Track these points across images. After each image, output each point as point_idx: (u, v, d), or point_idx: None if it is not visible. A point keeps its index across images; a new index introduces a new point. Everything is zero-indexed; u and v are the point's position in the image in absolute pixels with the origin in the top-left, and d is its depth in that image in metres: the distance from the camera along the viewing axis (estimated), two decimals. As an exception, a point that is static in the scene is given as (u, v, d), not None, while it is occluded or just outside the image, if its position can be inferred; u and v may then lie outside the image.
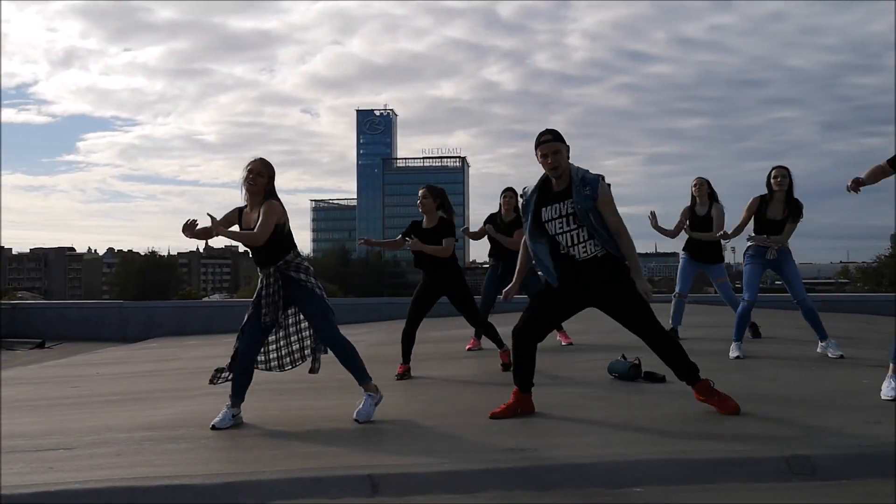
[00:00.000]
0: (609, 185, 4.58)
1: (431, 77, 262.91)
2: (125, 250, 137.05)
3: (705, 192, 7.95)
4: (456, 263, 6.73)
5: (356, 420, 4.86)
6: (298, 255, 5.04)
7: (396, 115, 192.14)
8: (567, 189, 4.53)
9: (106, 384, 8.39)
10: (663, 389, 5.58)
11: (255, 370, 5.16)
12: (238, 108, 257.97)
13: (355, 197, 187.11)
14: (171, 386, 7.88)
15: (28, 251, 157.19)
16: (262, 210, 4.84)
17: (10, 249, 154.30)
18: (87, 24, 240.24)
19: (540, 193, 4.64)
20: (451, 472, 3.69)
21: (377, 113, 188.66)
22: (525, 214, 4.71)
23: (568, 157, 4.59)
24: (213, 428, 4.86)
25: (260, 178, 4.90)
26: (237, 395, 5.02)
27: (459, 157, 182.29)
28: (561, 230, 4.55)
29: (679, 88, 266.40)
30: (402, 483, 3.64)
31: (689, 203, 8.00)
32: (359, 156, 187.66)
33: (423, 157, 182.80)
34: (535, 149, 4.60)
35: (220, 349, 11.30)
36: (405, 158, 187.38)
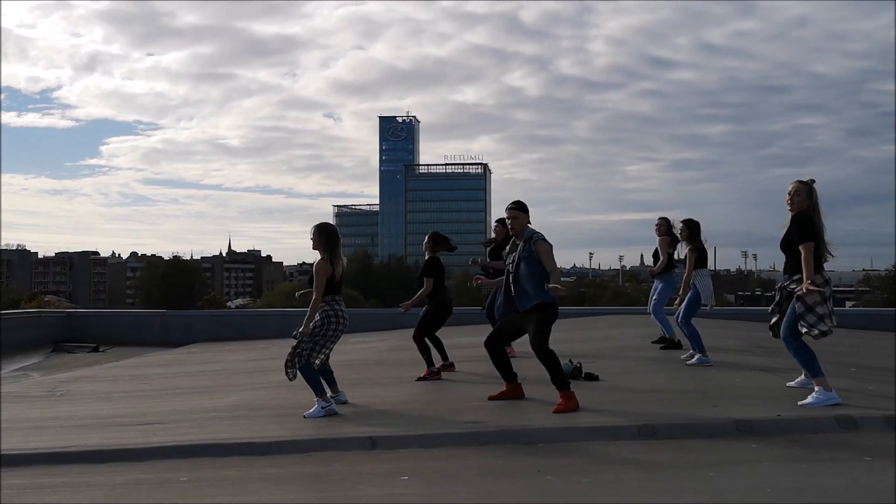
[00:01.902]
0: (549, 242, 6.46)
1: (454, 82, 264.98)
2: (149, 255, 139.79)
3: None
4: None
5: (304, 416, 6.55)
6: (332, 300, 6.78)
7: (419, 122, 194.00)
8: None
9: (168, 380, 10.44)
10: (595, 385, 7.46)
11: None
12: (261, 112, 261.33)
13: (378, 202, 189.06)
14: (221, 382, 9.90)
15: (53, 255, 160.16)
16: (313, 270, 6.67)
17: (36, 253, 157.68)
18: (110, 29, 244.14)
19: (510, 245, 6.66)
20: (424, 435, 5.66)
21: (399, 119, 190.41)
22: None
23: (527, 222, 6.50)
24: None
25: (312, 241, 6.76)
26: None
27: (481, 163, 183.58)
28: (510, 270, 6.48)
29: (702, 94, 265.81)
30: (392, 441, 5.59)
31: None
32: (381, 162, 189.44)
33: (446, 164, 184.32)
34: (505, 211, 6.62)
35: (255, 353, 13.41)
36: (427, 165, 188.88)
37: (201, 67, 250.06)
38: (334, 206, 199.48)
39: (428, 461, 5.14)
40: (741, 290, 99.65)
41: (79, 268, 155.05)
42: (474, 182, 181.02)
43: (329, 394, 6.84)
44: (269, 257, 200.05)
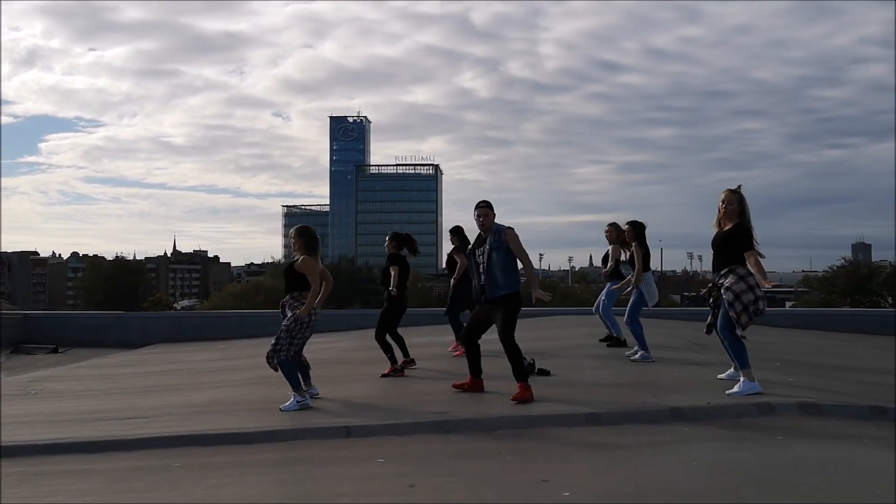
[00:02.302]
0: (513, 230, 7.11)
1: (405, 82, 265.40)
2: (90, 255, 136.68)
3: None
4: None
5: (280, 409, 7.09)
6: (302, 296, 7.33)
7: (370, 122, 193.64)
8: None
9: (137, 380, 10.80)
10: (548, 380, 8.12)
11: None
12: (207, 110, 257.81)
13: (328, 203, 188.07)
14: (189, 381, 10.32)
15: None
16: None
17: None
18: (51, 24, 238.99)
19: (476, 241, 7.26)
20: (395, 424, 6.25)
21: (350, 119, 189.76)
22: (468, 257, 7.35)
23: (494, 218, 7.13)
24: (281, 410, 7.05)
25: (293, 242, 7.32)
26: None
27: (433, 164, 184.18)
28: (480, 262, 7.09)
29: (650, 98, 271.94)
30: (365, 430, 6.17)
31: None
32: (332, 162, 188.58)
33: (397, 165, 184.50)
34: (474, 209, 7.21)
35: (217, 354, 13.81)
36: (378, 165, 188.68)
37: (145, 63, 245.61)
38: (283, 206, 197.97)
39: (399, 447, 5.73)
40: (686, 290, 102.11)
41: (17, 268, 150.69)
42: (426, 183, 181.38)
43: (303, 387, 7.39)
44: (216, 258, 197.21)
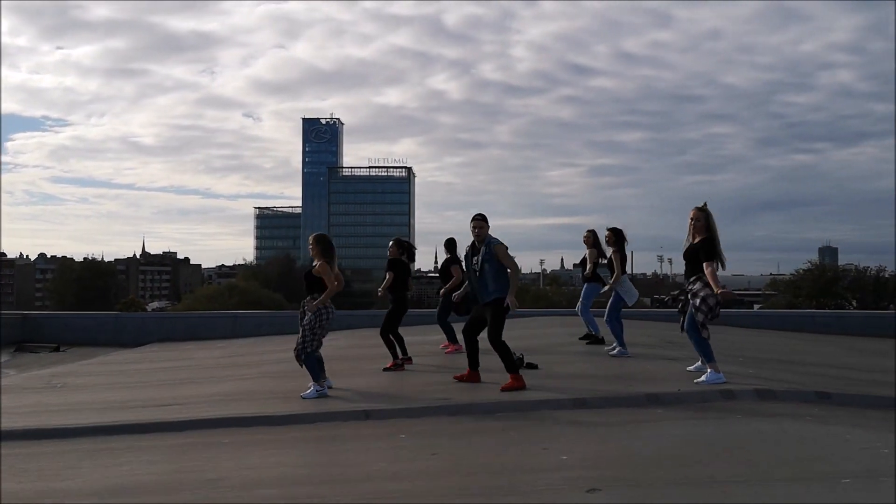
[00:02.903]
0: (504, 244, 8.04)
1: (377, 84, 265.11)
2: (59, 256, 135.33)
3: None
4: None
5: (301, 396, 7.99)
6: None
7: (342, 124, 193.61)
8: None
9: (152, 374, 11.58)
10: (536, 372, 9.07)
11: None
12: (177, 110, 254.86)
13: (300, 205, 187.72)
14: (203, 375, 11.12)
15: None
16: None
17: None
18: (17, 21, 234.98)
19: (471, 250, 8.19)
20: (408, 408, 7.17)
21: (323, 121, 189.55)
22: (465, 262, 8.28)
23: (487, 230, 8.07)
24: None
25: (311, 249, 8.18)
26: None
27: (406, 166, 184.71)
28: (475, 270, 8.04)
29: (621, 102, 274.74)
30: (382, 413, 7.08)
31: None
32: (304, 164, 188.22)
33: (370, 167, 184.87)
34: (471, 221, 8.15)
35: (218, 352, 14.62)
36: (351, 167, 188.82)
37: (114, 62, 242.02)
38: (256, 207, 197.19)
39: (415, 426, 6.64)
40: (657, 293, 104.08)
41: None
42: (398, 185, 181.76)
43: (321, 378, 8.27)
44: (186, 259, 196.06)
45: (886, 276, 54.72)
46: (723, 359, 8.23)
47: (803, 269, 54.85)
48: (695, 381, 7.77)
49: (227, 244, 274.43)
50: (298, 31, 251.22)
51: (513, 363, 7.98)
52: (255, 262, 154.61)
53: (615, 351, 10.34)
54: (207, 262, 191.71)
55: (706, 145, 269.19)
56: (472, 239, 8.23)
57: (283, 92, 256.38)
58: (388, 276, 10.24)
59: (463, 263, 8.74)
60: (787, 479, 4.50)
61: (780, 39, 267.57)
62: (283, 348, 14.05)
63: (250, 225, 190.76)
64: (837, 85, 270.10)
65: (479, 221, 8.16)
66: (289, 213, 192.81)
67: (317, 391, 8.01)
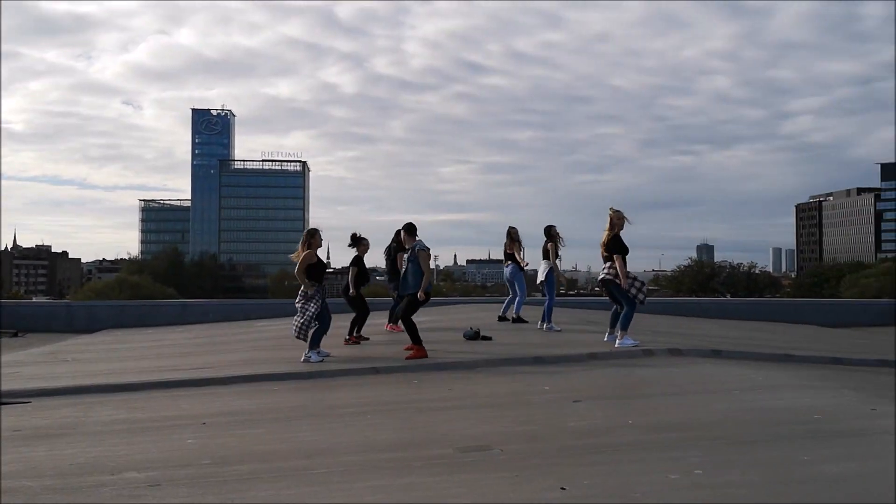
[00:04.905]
0: (428, 249, 10.12)
1: (267, 74, 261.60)
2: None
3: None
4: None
5: (307, 359, 9.86)
6: (314, 284, 10.02)
7: (234, 116, 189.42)
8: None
9: (154, 349, 12.96)
10: (491, 343, 11.17)
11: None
12: (50, 95, 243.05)
13: (189, 198, 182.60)
14: (201, 349, 12.64)
15: None
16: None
17: None
18: None
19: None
20: (406, 366, 9.14)
21: (214, 112, 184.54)
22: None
23: (415, 238, 10.14)
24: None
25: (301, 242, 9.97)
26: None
27: (300, 160, 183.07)
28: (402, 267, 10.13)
29: (513, 100, 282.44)
30: (388, 369, 9.03)
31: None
32: (194, 156, 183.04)
33: (263, 160, 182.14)
34: (402, 229, 10.38)
35: (192, 334, 16.02)
36: (244, 161, 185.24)
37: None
38: (141, 200, 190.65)
39: (421, 376, 8.61)
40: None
41: None
42: (292, 179, 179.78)
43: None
44: (64, 253, 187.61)
45: (758, 271, 60.53)
46: (639, 332, 10.62)
47: (684, 266, 59.90)
48: (616, 344, 10.09)
49: (105, 237, 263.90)
50: (182, 17, 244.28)
51: (417, 337, 9.86)
52: (140, 256, 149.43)
53: (545, 327, 12.65)
54: (87, 256, 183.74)
55: (595, 145, 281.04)
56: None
57: (166, 79, 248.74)
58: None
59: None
60: (696, 392, 6.85)
61: (663, 44, 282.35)
62: (246, 330, 15.67)
63: (132, 217, 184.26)
64: (714, 90, 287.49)
65: (408, 232, 10.28)
66: (177, 206, 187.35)
67: (319, 355, 9.85)
